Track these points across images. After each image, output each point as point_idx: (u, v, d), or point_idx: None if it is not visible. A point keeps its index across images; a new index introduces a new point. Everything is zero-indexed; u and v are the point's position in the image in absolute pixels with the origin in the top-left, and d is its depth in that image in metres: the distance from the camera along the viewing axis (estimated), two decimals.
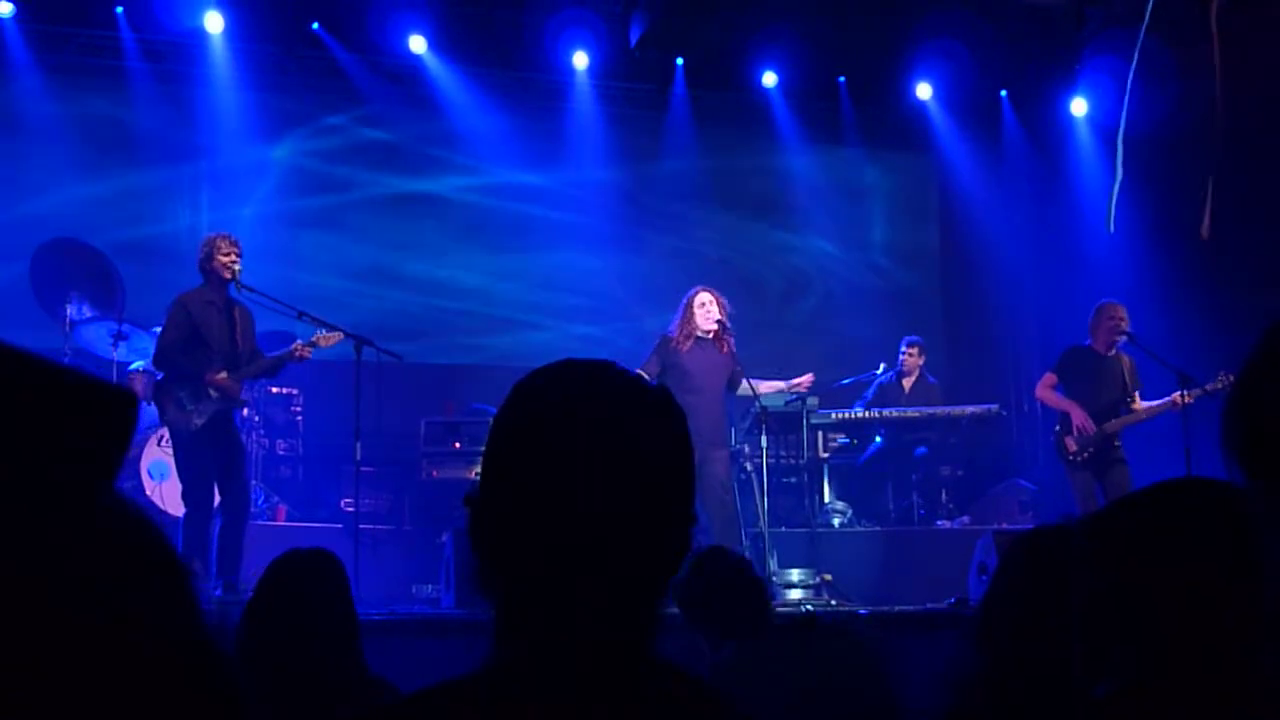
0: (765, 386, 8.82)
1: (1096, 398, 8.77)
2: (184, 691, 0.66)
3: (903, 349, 10.65)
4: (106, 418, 0.69)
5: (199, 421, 7.52)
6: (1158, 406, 8.71)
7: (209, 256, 7.69)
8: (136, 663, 0.64)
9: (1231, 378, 8.23)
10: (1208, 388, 8.41)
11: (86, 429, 0.69)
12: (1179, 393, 8.55)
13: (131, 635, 0.64)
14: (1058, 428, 8.89)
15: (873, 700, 3.71)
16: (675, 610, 4.00)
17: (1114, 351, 8.85)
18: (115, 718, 0.62)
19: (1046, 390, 9.06)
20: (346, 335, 8.06)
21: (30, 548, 0.62)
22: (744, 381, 8.57)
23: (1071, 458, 8.72)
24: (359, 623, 3.48)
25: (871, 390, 10.67)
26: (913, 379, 10.66)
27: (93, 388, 0.70)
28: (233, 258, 7.66)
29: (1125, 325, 8.77)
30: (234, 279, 7.68)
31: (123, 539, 0.67)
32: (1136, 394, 8.86)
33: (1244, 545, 1.59)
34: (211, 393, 7.58)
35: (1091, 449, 8.67)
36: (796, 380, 9.09)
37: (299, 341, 7.91)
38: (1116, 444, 8.76)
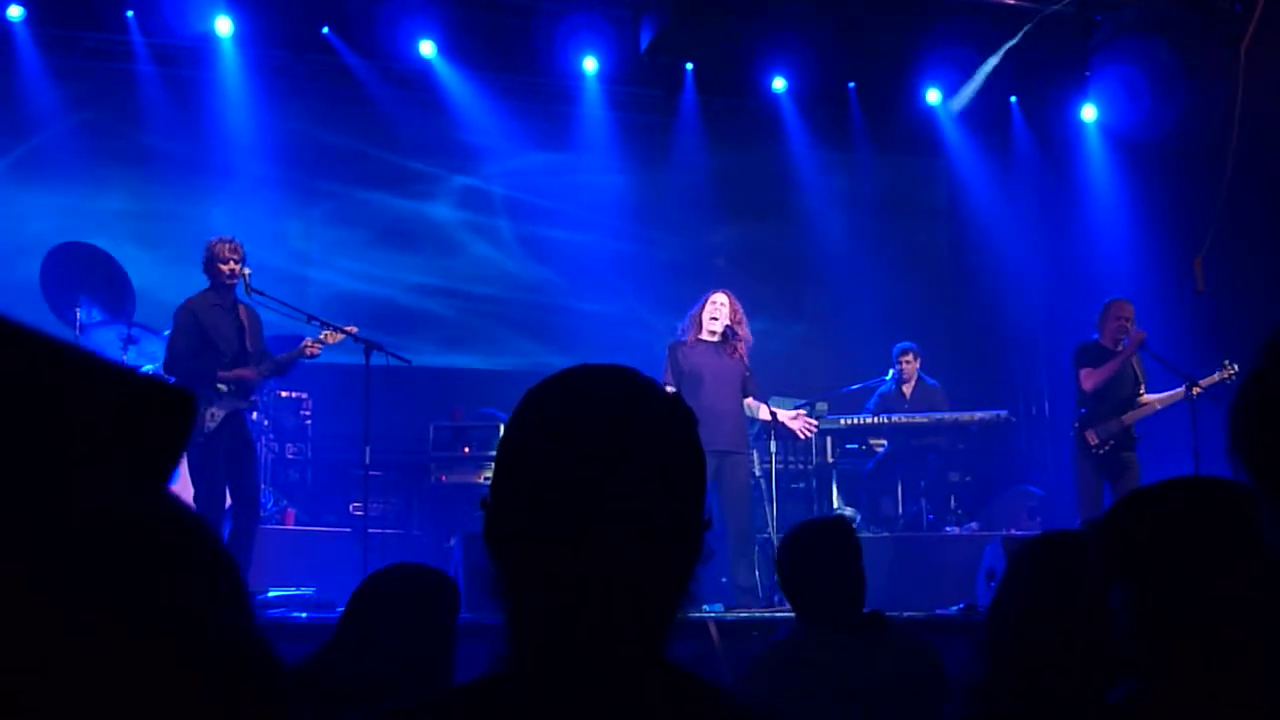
0: (775, 410, 8.71)
1: (1113, 393, 8.82)
2: (234, 690, 0.66)
3: (897, 357, 10.66)
4: (167, 418, 0.70)
5: (213, 424, 7.53)
6: (1169, 397, 8.77)
7: (210, 261, 7.72)
8: (190, 659, 0.64)
9: (1236, 367, 8.31)
10: (1216, 377, 8.48)
11: (148, 429, 0.69)
12: (1185, 386, 8.61)
13: (187, 634, 0.64)
14: (1077, 424, 8.89)
15: (924, 705, 3.71)
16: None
17: (1120, 347, 8.89)
18: (166, 713, 0.62)
19: (1092, 378, 8.84)
20: (357, 339, 8.07)
21: (87, 548, 0.63)
22: (759, 404, 8.54)
23: (1094, 450, 8.74)
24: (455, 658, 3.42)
25: (873, 401, 10.67)
26: (912, 384, 10.67)
27: (154, 388, 0.70)
28: (232, 265, 7.67)
29: (1131, 324, 8.82)
30: (235, 284, 7.70)
31: (178, 538, 0.67)
32: (1142, 386, 8.91)
33: (1251, 545, 1.59)
34: (222, 388, 7.59)
35: (1112, 441, 8.72)
36: (803, 415, 8.99)
37: (308, 339, 7.92)
38: (1134, 437, 8.82)
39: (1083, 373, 9.01)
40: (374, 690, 3.13)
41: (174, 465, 0.71)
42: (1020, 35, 9.59)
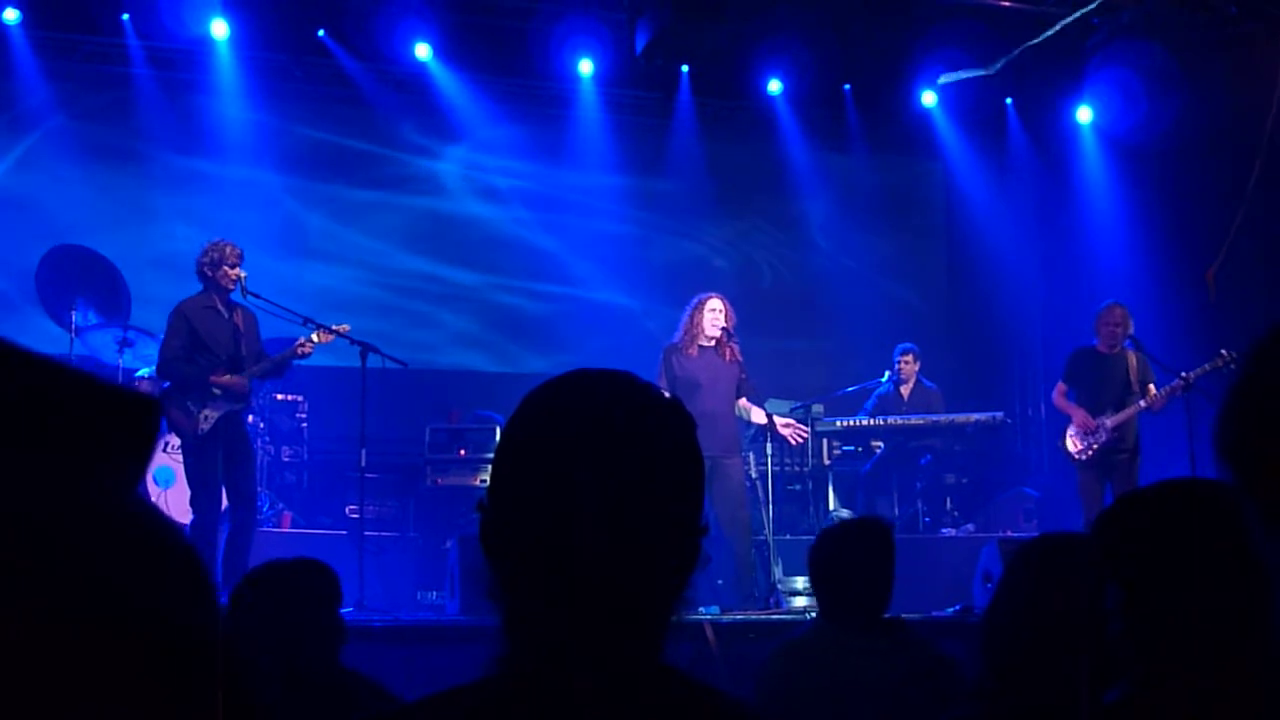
0: (769, 414, 8.69)
1: (1098, 394, 8.87)
2: (205, 697, 0.66)
3: (897, 358, 10.67)
4: (131, 423, 0.70)
5: (206, 426, 7.52)
6: (1157, 397, 8.75)
7: (214, 263, 7.68)
8: (156, 666, 0.64)
9: (1232, 354, 8.36)
10: (1207, 367, 8.48)
11: (111, 435, 0.69)
12: (1176, 381, 8.61)
13: (155, 640, 0.64)
14: (1066, 429, 8.96)
15: (936, 710, 3.70)
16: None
17: (1117, 349, 8.89)
18: (143, 713, 0.63)
19: (1060, 399, 9.22)
20: (352, 341, 8.06)
21: (57, 553, 0.63)
22: (754, 406, 8.54)
23: (1076, 456, 8.80)
24: (343, 627, 3.47)
25: (871, 401, 10.67)
26: (910, 386, 10.67)
27: (116, 394, 0.70)
28: (237, 270, 7.67)
29: (1121, 328, 8.84)
30: (233, 288, 7.70)
31: (149, 544, 0.68)
32: (1151, 386, 8.90)
33: (1244, 546, 1.59)
34: (215, 392, 7.58)
35: (1096, 447, 8.73)
36: (794, 424, 9.04)
37: (301, 338, 7.91)
38: (1122, 438, 8.80)
39: (1059, 385, 9.21)
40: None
41: (143, 470, 0.71)
42: (1046, 35, 9.72)
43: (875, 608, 3.81)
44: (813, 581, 3.95)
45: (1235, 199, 9.79)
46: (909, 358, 10.67)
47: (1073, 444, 8.83)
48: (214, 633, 0.69)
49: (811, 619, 4.00)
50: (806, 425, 10.08)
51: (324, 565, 3.51)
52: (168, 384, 7.73)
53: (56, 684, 0.61)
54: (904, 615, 7.39)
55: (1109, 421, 8.77)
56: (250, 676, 0.71)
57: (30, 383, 0.67)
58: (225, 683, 0.68)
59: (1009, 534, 9.18)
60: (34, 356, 0.68)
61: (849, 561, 3.81)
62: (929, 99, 12.31)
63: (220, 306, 7.75)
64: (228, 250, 7.70)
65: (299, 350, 7.83)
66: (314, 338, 7.88)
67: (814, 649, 3.77)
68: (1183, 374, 8.58)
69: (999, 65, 10.14)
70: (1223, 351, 8.47)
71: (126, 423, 0.70)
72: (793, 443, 9.06)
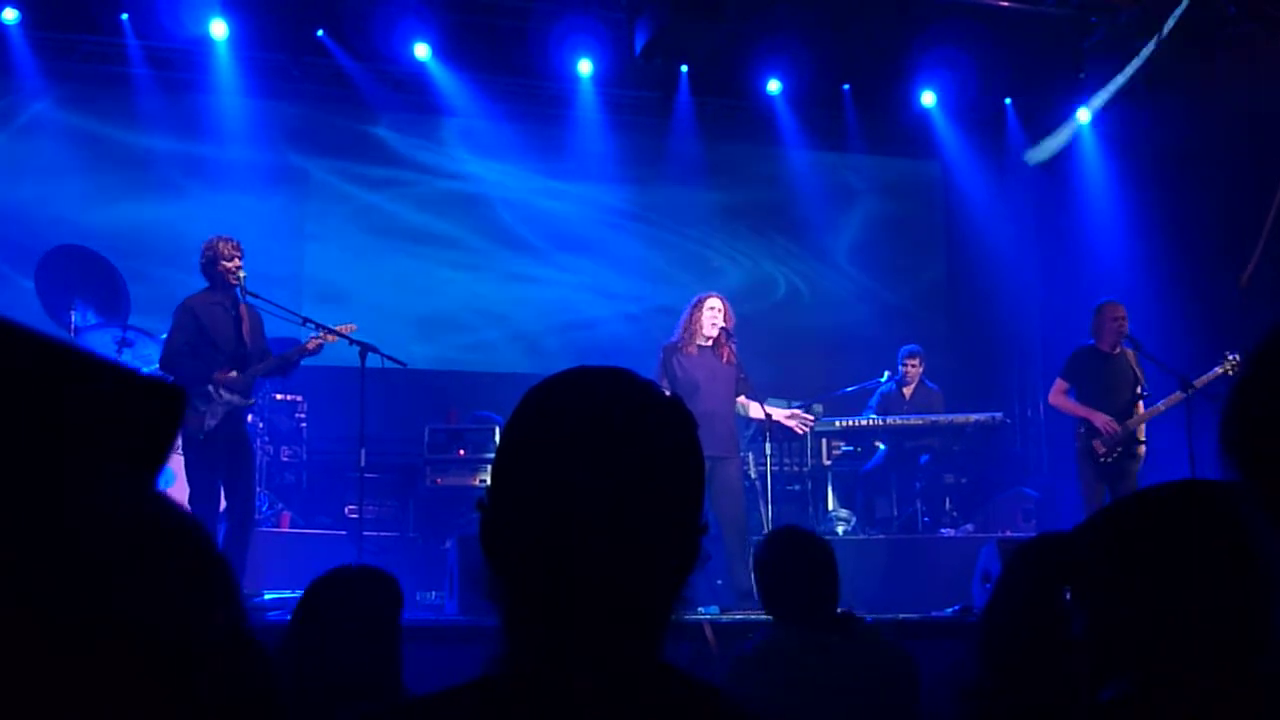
0: (769, 409, 8.71)
1: (1112, 397, 8.77)
2: (223, 686, 0.66)
3: (902, 359, 10.67)
4: (156, 411, 0.69)
5: (211, 423, 7.50)
6: (1170, 401, 8.71)
7: (212, 260, 7.68)
8: (178, 655, 0.64)
9: (1237, 357, 8.31)
10: (1217, 371, 8.43)
11: (137, 423, 0.68)
12: (1181, 386, 8.57)
13: (176, 628, 0.64)
14: (1083, 430, 8.82)
15: (897, 703, 3.74)
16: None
17: (1119, 349, 8.86)
18: (157, 710, 0.62)
19: (1060, 397, 9.02)
20: (352, 341, 8.06)
21: (77, 540, 0.63)
22: (751, 401, 8.54)
23: (1101, 460, 8.69)
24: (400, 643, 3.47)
25: (875, 399, 10.68)
26: (913, 387, 10.68)
27: (142, 382, 0.70)
28: (236, 263, 7.66)
29: (1124, 324, 8.81)
30: (238, 284, 7.68)
31: (170, 534, 0.67)
32: (1140, 387, 8.87)
33: (1243, 546, 1.59)
34: (222, 392, 7.57)
35: (1119, 450, 8.67)
36: (799, 413, 9.06)
37: (312, 335, 7.90)
38: (1140, 440, 8.77)
39: (1059, 382, 9.03)
40: (325, 693, 3.15)
41: (164, 458, 0.70)
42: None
43: (828, 606, 3.86)
44: (761, 592, 4.01)
45: (1234, 198, 9.79)
46: (915, 360, 10.67)
47: (1099, 447, 8.71)
48: (233, 630, 0.68)
49: (764, 626, 4.04)
50: None
51: (390, 576, 3.52)
52: (170, 380, 7.71)
53: (57, 685, 0.60)
54: (903, 615, 7.45)
55: (1131, 424, 8.71)
56: (270, 678, 0.71)
57: (46, 369, 0.66)
58: (242, 683, 0.68)
59: (1008, 534, 9.18)
60: (58, 343, 0.67)
61: (793, 569, 3.87)
62: (928, 99, 12.31)
63: (225, 303, 7.74)
64: (221, 245, 7.69)
65: (309, 347, 7.83)
66: (322, 337, 7.88)
67: (773, 653, 3.80)
68: (1192, 384, 8.54)
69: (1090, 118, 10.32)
70: (1228, 355, 8.43)
71: (149, 409, 0.69)
72: (799, 431, 9.06)
